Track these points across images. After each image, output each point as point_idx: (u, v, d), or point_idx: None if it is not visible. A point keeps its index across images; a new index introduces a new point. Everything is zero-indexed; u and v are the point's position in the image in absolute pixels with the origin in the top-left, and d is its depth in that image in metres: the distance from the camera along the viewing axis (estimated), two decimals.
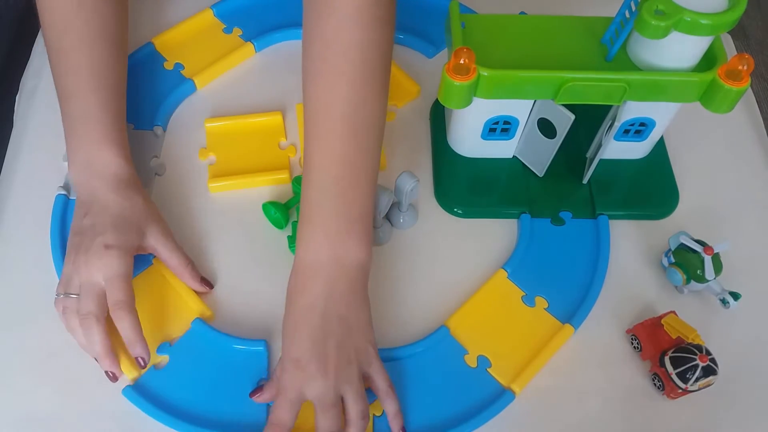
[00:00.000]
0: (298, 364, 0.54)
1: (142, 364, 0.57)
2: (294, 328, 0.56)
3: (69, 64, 0.63)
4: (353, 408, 0.54)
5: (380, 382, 0.56)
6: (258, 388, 0.57)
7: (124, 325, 0.56)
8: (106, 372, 0.57)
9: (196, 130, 0.74)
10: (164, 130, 0.74)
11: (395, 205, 0.67)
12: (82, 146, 0.62)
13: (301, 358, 0.54)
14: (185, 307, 0.62)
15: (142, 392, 0.58)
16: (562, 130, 0.63)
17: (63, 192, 0.68)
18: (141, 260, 0.64)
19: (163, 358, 0.60)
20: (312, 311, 0.55)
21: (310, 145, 0.58)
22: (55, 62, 0.63)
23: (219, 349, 0.61)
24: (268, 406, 0.58)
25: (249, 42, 0.79)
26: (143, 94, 0.75)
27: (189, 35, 0.80)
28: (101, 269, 0.56)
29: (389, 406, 0.56)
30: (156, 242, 0.61)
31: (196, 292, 0.63)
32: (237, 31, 0.80)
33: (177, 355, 0.60)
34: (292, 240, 0.65)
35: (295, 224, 0.66)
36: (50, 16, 0.63)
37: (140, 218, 0.61)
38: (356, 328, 0.56)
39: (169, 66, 0.77)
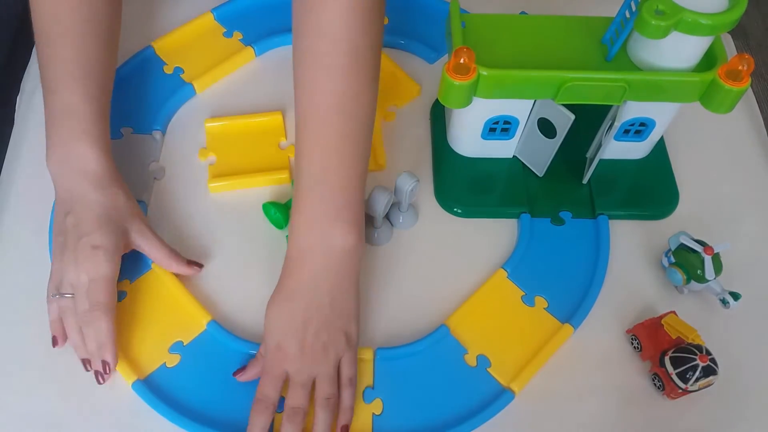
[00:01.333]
0: (279, 346, 0.57)
1: (107, 371, 0.57)
2: (278, 311, 0.58)
3: (55, 53, 0.61)
4: (320, 390, 0.57)
5: (346, 370, 0.58)
6: (242, 368, 0.59)
7: (100, 326, 0.57)
8: (96, 372, 0.58)
9: (196, 134, 0.74)
10: (163, 134, 0.74)
11: (395, 205, 0.67)
12: (61, 140, 0.60)
13: (281, 341, 0.57)
14: (199, 308, 0.62)
15: (151, 388, 0.59)
16: (562, 130, 0.63)
17: None
18: (142, 264, 0.65)
19: (175, 357, 0.60)
20: (296, 295, 0.57)
21: (301, 135, 0.59)
22: (42, 51, 0.62)
23: (231, 352, 0.61)
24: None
25: (249, 46, 0.79)
26: (142, 98, 0.75)
27: (189, 39, 0.80)
28: (88, 270, 0.57)
29: (345, 397, 0.58)
30: (139, 239, 0.61)
31: (196, 298, 0.63)
32: (237, 35, 0.80)
33: (189, 355, 0.61)
34: None
35: None
36: (40, 5, 0.62)
37: (123, 216, 0.60)
38: (338, 315, 0.58)
39: (168, 70, 0.77)
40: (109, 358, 0.57)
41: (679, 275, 0.62)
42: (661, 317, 0.61)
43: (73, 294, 0.57)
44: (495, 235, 0.68)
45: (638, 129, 0.67)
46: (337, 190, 0.58)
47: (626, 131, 0.67)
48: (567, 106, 0.62)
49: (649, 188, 0.71)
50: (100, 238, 0.57)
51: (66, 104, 0.60)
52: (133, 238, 0.61)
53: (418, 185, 0.63)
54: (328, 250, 0.58)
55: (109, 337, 0.57)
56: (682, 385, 0.57)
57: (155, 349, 0.61)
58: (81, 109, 0.60)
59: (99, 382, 0.58)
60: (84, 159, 0.60)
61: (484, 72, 0.58)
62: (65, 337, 0.59)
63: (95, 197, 0.59)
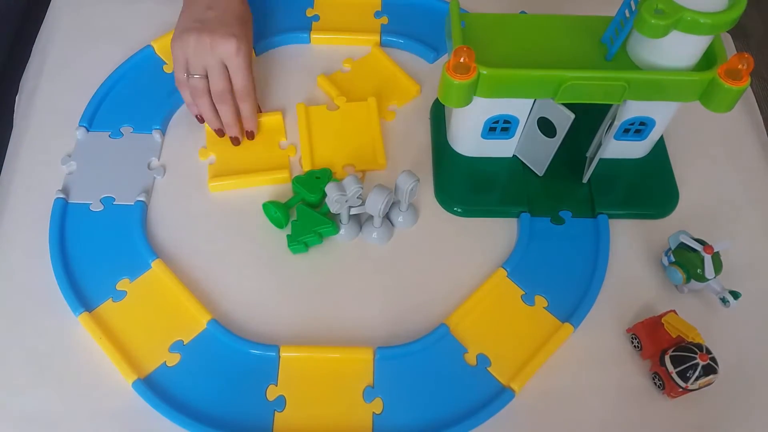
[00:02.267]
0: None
1: (250, 137, 0.72)
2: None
3: None
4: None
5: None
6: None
7: (246, 107, 0.69)
8: (231, 138, 0.71)
9: (195, 133, 0.74)
10: (163, 134, 0.74)
11: (395, 205, 0.67)
12: None
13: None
14: (199, 307, 0.62)
15: (151, 387, 0.59)
16: (562, 129, 0.63)
17: (61, 196, 0.68)
18: (142, 263, 0.65)
19: (176, 356, 0.61)
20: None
21: None
22: None
23: (231, 351, 0.61)
24: (275, 410, 0.58)
25: None
26: (142, 97, 0.75)
27: None
28: (229, 54, 0.66)
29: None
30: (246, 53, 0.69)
31: (196, 297, 0.63)
32: None
33: (189, 354, 0.61)
34: (291, 239, 0.65)
35: (294, 224, 0.66)
36: None
37: (250, 28, 0.70)
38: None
39: (168, 69, 0.77)
40: (253, 129, 0.71)
41: (679, 274, 0.62)
42: (661, 316, 0.61)
43: (201, 75, 0.67)
44: (495, 235, 0.68)
45: (638, 128, 0.67)
46: None
47: (626, 130, 0.67)
48: (567, 105, 0.62)
49: (649, 187, 0.71)
50: (239, 30, 0.67)
51: None
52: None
53: (417, 184, 0.63)
54: None
55: (255, 115, 0.70)
56: (683, 384, 0.57)
57: (155, 348, 0.61)
58: None
59: (234, 144, 0.71)
60: None
61: (484, 71, 0.58)
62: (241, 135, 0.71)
63: (237, 4, 0.69)
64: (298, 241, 0.65)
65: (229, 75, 0.68)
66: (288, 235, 0.66)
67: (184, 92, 0.70)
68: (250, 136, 0.71)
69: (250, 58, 0.68)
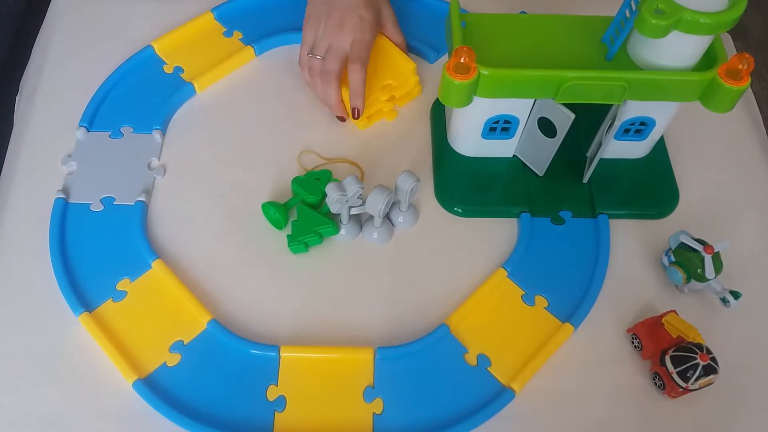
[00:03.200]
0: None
1: (356, 115, 0.71)
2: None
3: None
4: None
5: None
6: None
7: (355, 77, 0.70)
8: (338, 116, 0.73)
9: (196, 133, 0.74)
10: (163, 134, 0.74)
11: (396, 205, 0.67)
12: None
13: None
14: (199, 307, 0.62)
15: (151, 387, 0.59)
16: (563, 129, 0.63)
17: (62, 196, 0.68)
18: (143, 263, 0.65)
19: (176, 356, 0.61)
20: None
21: None
22: None
23: (231, 351, 0.61)
24: (275, 410, 0.58)
25: (249, 45, 0.79)
26: (143, 97, 0.75)
27: (189, 38, 0.80)
28: (354, 35, 0.70)
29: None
30: (387, 22, 0.75)
31: (196, 297, 0.63)
32: (237, 35, 0.80)
33: (190, 354, 0.61)
34: (291, 239, 0.65)
35: (294, 224, 0.66)
36: None
37: (381, 1, 0.74)
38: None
39: (168, 69, 0.77)
40: (359, 106, 0.71)
41: (680, 274, 0.62)
42: (661, 316, 0.61)
43: (322, 56, 0.70)
44: (495, 235, 0.68)
45: (638, 128, 0.67)
46: None
47: (626, 130, 0.67)
48: (567, 105, 0.62)
49: (649, 187, 0.71)
50: (366, 12, 0.71)
51: None
52: (383, 21, 0.75)
53: (418, 184, 0.63)
54: None
55: (362, 86, 0.70)
56: (683, 384, 0.57)
57: (156, 348, 0.61)
58: None
59: (341, 121, 0.74)
60: None
61: (484, 71, 0.58)
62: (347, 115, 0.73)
63: None
64: (299, 241, 0.65)
65: (342, 57, 0.70)
66: (288, 235, 0.66)
67: (304, 71, 0.73)
68: (355, 113, 0.71)
69: (373, 34, 0.71)
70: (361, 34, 0.70)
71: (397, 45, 0.75)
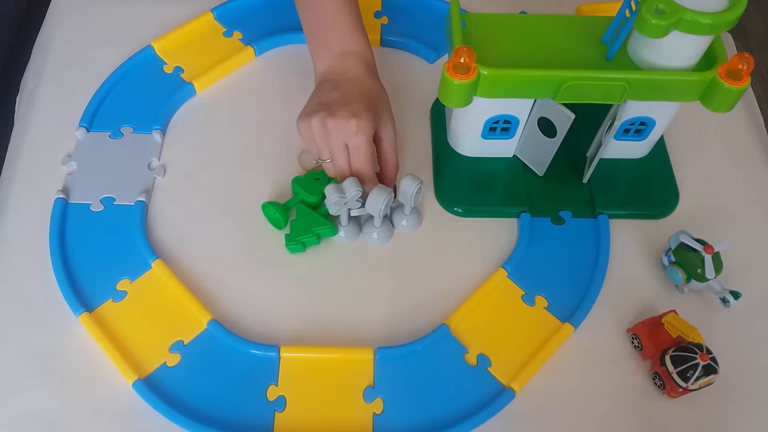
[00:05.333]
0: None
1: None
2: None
3: None
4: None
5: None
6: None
7: (367, 188, 0.64)
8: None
9: (196, 133, 0.74)
10: (163, 134, 0.74)
11: (399, 208, 0.67)
12: (335, 38, 0.68)
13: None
14: (199, 308, 0.62)
15: (151, 387, 0.59)
16: (563, 129, 0.63)
17: (62, 196, 0.68)
18: (143, 263, 0.65)
19: (176, 356, 0.61)
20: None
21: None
22: None
23: (231, 351, 0.61)
24: (275, 410, 0.58)
25: (249, 46, 0.79)
26: (143, 97, 0.75)
27: (189, 39, 0.80)
28: (348, 135, 0.63)
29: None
30: (385, 133, 0.66)
31: (196, 297, 0.63)
32: (237, 35, 0.80)
33: (190, 354, 0.61)
34: (289, 238, 0.65)
35: (293, 223, 0.66)
36: None
37: (382, 104, 0.67)
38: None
39: (168, 69, 0.77)
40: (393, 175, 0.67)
41: (680, 274, 0.62)
42: (661, 316, 0.61)
43: (330, 160, 0.66)
44: (495, 235, 0.68)
45: (638, 128, 0.67)
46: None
47: (626, 130, 0.67)
48: (567, 105, 0.62)
49: (650, 187, 0.71)
50: (359, 108, 0.63)
51: (330, 14, 0.68)
52: (381, 129, 0.66)
53: (422, 187, 0.63)
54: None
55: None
56: (683, 384, 0.57)
57: (156, 348, 0.61)
58: (348, 15, 0.68)
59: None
60: (361, 50, 0.68)
61: (484, 71, 0.58)
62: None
63: (367, 79, 0.67)
64: (296, 241, 0.65)
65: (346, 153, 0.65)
66: (286, 234, 0.66)
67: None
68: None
69: (370, 137, 0.64)
70: (355, 131, 0.63)
71: (383, 163, 0.68)
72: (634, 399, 0.60)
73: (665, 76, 0.58)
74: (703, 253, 0.61)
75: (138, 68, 0.77)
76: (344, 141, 0.63)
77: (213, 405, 0.59)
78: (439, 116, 0.74)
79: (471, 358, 0.61)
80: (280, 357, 0.60)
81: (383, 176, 0.68)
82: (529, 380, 0.60)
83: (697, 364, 0.56)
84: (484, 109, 0.65)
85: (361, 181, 0.64)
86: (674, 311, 0.61)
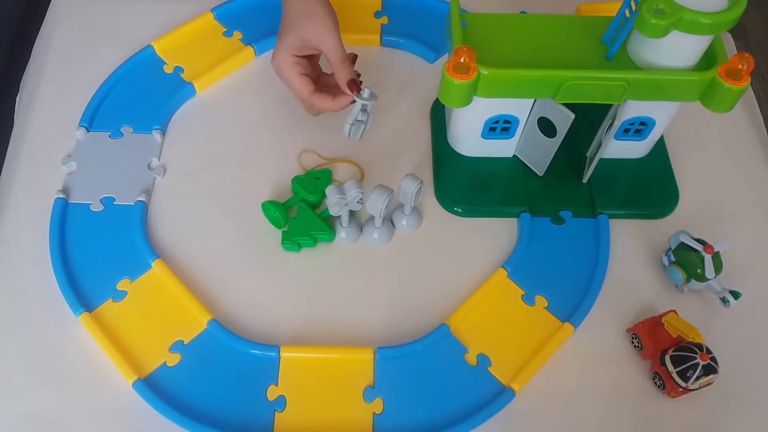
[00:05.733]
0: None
1: (355, 87, 0.65)
2: None
3: None
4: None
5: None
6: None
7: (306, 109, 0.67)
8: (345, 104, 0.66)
9: (196, 133, 0.74)
10: (163, 134, 0.74)
11: (399, 208, 0.67)
12: None
13: None
14: (199, 307, 0.62)
15: (151, 387, 0.59)
16: (562, 129, 0.63)
17: (62, 196, 0.68)
18: (143, 263, 0.65)
19: (176, 356, 0.61)
20: None
21: None
22: None
23: (231, 351, 0.61)
24: (275, 410, 0.58)
25: (249, 46, 0.79)
26: (143, 97, 0.75)
27: (189, 39, 0.80)
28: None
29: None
30: (322, 46, 0.65)
31: (196, 297, 0.63)
32: (237, 35, 0.80)
33: (190, 354, 0.61)
34: (286, 236, 0.65)
35: (293, 222, 0.66)
36: None
37: (307, 21, 0.65)
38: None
39: (168, 69, 0.77)
40: (348, 75, 0.65)
41: (680, 274, 0.62)
42: (661, 316, 0.61)
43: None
44: (495, 235, 0.68)
45: (638, 128, 0.67)
46: None
47: (626, 130, 0.67)
48: (567, 105, 0.62)
49: (649, 187, 0.71)
50: (276, 44, 0.66)
51: None
52: (318, 41, 0.65)
53: (422, 187, 0.63)
54: None
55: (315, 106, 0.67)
56: (683, 384, 0.57)
57: (156, 348, 0.61)
58: None
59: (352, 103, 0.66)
60: None
61: (484, 71, 0.58)
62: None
63: (293, 3, 0.66)
64: (292, 241, 0.65)
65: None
66: (284, 232, 0.66)
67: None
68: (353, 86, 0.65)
69: (285, 68, 0.66)
70: (272, 62, 0.66)
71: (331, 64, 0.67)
72: (634, 399, 0.60)
73: (665, 76, 0.58)
74: (703, 253, 0.61)
75: (138, 68, 0.77)
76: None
77: (213, 405, 0.59)
78: (439, 116, 0.74)
79: (471, 358, 0.61)
80: (280, 357, 0.60)
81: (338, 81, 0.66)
82: (529, 380, 0.60)
83: (697, 364, 0.56)
84: (484, 109, 0.65)
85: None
86: (674, 311, 0.61)
